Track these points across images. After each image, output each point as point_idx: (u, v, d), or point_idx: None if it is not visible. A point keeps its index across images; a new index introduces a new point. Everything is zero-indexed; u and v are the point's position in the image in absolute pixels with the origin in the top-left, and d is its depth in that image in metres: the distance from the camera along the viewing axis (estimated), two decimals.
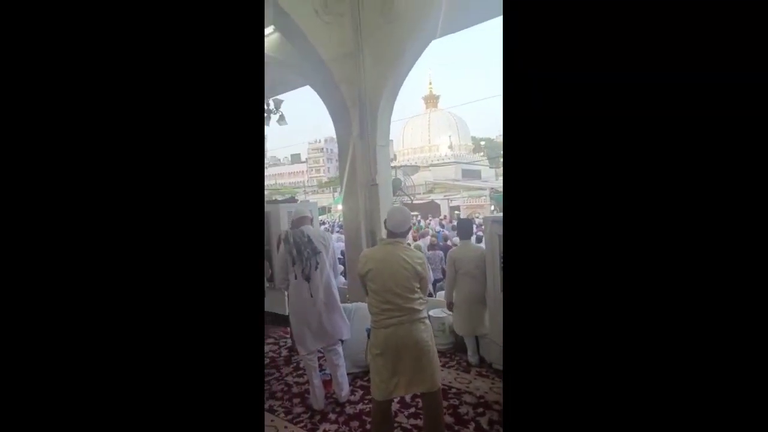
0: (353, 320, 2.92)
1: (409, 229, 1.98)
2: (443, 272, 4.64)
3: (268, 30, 3.44)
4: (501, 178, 25.51)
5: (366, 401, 2.54)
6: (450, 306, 3.14)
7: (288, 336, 3.67)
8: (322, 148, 44.04)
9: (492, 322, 2.91)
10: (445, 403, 2.34)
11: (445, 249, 6.23)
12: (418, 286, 1.84)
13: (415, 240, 6.73)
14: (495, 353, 2.90)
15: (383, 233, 2.42)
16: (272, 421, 2.44)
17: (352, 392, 2.67)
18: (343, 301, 2.75)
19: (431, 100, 26.67)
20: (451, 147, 23.03)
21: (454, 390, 2.67)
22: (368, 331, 2.01)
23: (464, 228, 3.28)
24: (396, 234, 1.89)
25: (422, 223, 11.79)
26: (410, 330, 1.80)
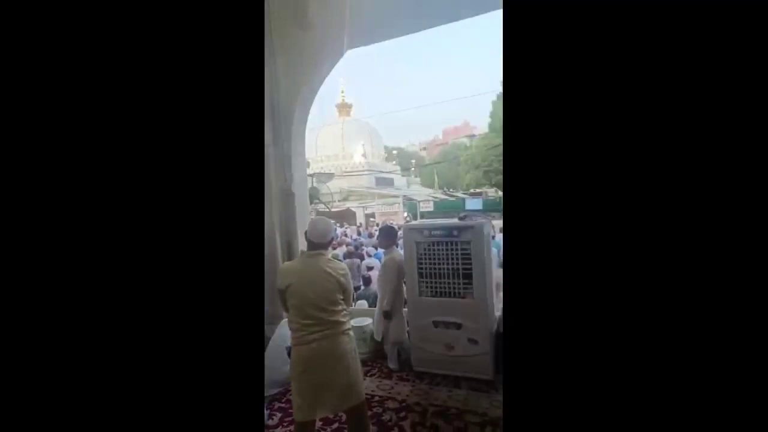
0: (271, 338, 2.75)
1: (332, 240, 1.95)
2: (363, 280, 4.66)
3: None
4: (413, 186, 26.86)
5: (285, 424, 2.41)
6: (388, 314, 3.03)
7: None
8: None
9: (413, 325, 3.01)
10: (368, 413, 2.34)
11: (360, 257, 6.28)
12: (342, 298, 1.81)
13: (333, 248, 6.64)
14: (416, 355, 3.01)
15: (303, 245, 2.33)
16: None
17: (269, 416, 2.51)
18: None
19: (344, 109, 26.90)
20: (365, 155, 23.46)
21: (377, 398, 2.68)
22: (288, 349, 1.91)
23: (387, 236, 3.29)
24: (317, 245, 1.84)
25: (338, 231, 11.74)
26: (334, 343, 1.76)
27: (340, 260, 3.06)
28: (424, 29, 3.81)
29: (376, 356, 3.32)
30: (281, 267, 1.90)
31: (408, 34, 3.93)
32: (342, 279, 1.79)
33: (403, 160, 33.71)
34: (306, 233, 1.86)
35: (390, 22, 3.53)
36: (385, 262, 3.16)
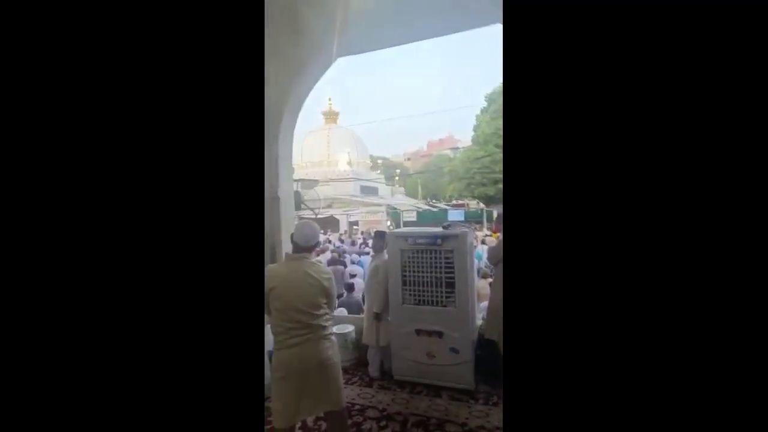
0: None
1: (317, 243, 1.94)
2: (347, 287, 4.64)
3: None
4: (398, 195, 26.98)
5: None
6: (379, 317, 3.06)
7: None
8: None
9: (395, 333, 3.01)
10: (349, 422, 2.31)
11: (344, 264, 6.26)
12: (325, 302, 1.80)
13: (316, 255, 6.58)
14: (397, 364, 3.00)
15: (289, 248, 2.31)
16: None
17: None
18: None
19: (331, 116, 26.93)
20: (350, 163, 23.48)
21: (357, 406, 2.65)
22: (270, 353, 1.88)
23: (381, 239, 3.31)
24: (303, 248, 1.83)
25: (321, 238, 11.64)
26: (316, 348, 1.75)
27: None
28: (413, 41, 3.88)
29: (358, 364, 3.29)
30: (265, 270, 1.87)
31: (397, 45, 4.01)
32: (326, 283, 1.79)
33: (388, 169, 33.89)
34: (292, 236, 1.85)
35: (380, 33, 3.59)
36: (375, 266, 3.17)
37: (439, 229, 2.99)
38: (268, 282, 1.76)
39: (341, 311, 3.79)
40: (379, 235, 3.38)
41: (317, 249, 7.42)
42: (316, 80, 3.62)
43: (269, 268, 1.86)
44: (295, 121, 3.73)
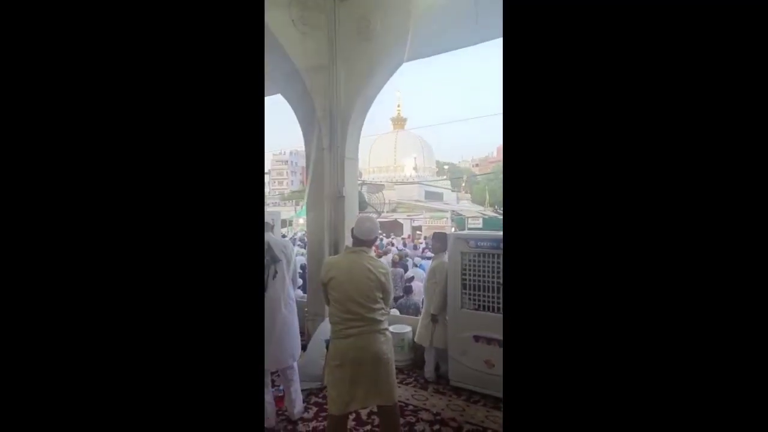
0: (313, 334, 2.82)
1: (376, 238, 1.98)
2: (405, 290, 4.64)
3: None
4: (463, 201, 26.39)
5: (320, 419, 2.44)
6: (435, 318, 3.04)
7: None
8: (287, 161, 43.34)
9: (452, 338, 2.94)
10: (401, 421, 2.30)
11: (405, 267, 6.27)
12: (381, 296, 1.82)
13: (378, 257, 6.71)
14: (454, 369, 2.92)
15: (348, 242, 2.39)
16: None
17: (306, 409, 2.56)
18: (301, 315, 2.65)
19: (399, 122, 27.33)
20: (416, 168, 23.55)
21: (411, 407, 2.63)
22: (327, 342, 1.95)
23: (440, 241, 3.29)
24: (363, 242, 1.88)
25: (384, 241, 11.83)
26: (371, 340, 1.77)
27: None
28: (482, 41, 3.79)
29: (413, 365, 3.27)
30: (326, 260, 1.96)
31: (465, 46, 3.94)
32: (382, 278, 1.81)
33: (454, 175, 33.33)
34: (352, 230, 1.91)
35: (447, 35, 3.57)
36: (433, 267, 3.14)
37: (502, 233, 2.86)
38: (328, 272, 1.83)
39: (394, 312, 3.80)
40: (438, 237, 3.34)
41: (380, 251, 7.57)
42: (383, 84, 3.70)
43: (329, 259, 1.94)
44: (362, 124, 3.85)
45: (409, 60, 3.51)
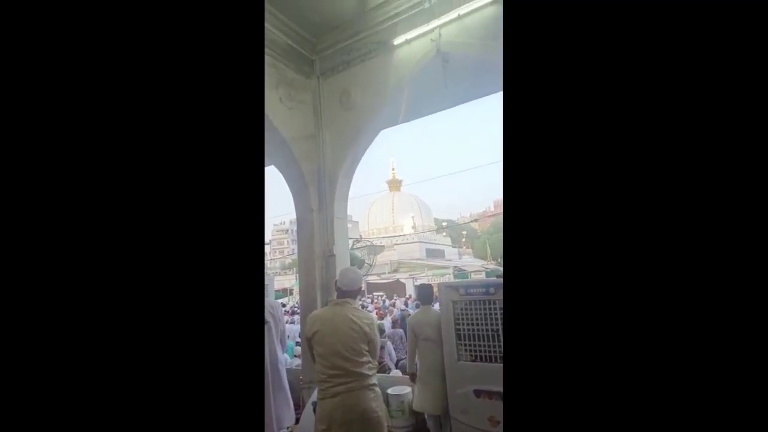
0: (307, 402, 2.68)
1: (359, 289, 1.99)
2: (407, 350, 4.45)
3: None
4: (465, 257, 26.26)
5: None
6: (413, 377, 2.93)
7: None
8: (287, 230, 43.85)
9: (451, 395, 2.78)
10: None
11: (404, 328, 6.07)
12: (367, 348, 1.79)
13: (380, 318, 6.55)
14: (456, 430, 2.71)
15: (333, 295, 2.39)
16: None
17: None
18: (294, 385, 2.54)
19: (394, 184, 28.27)
20: (414, 227, 23.82)
21: None
22: (314, 404, 1.87)
23: (424, 293, 3.25)
24: (346, 293, 1.89)
25: (387, 302, 11.56)
26: (359, 398, 1.71)
27: (382, 328, 2.97)
28: (456, 105, 4.13)
29: (416, 429, 3.04)
30: (310, 315, 1.95)
31: (444, 109, 4.30)
32: (366, 328, 1.79)
33: (454, 231, 33.55)
34: (335, 282, 1.93)
35: (426, 101, 3.91)
36: (410, 324, 3.04)
37: (492, 279, 2.86)
38: (312, 326, 1.82)
39: (396, 373, 3.64)
40: (423, 288, 3.31)
41: (382, 312, 7.41)
42: (367, 146, 3.96)
43: (313, 313, 1.94)
44: (349, 183, 4.04)
45: (388, 126, 3.81)
